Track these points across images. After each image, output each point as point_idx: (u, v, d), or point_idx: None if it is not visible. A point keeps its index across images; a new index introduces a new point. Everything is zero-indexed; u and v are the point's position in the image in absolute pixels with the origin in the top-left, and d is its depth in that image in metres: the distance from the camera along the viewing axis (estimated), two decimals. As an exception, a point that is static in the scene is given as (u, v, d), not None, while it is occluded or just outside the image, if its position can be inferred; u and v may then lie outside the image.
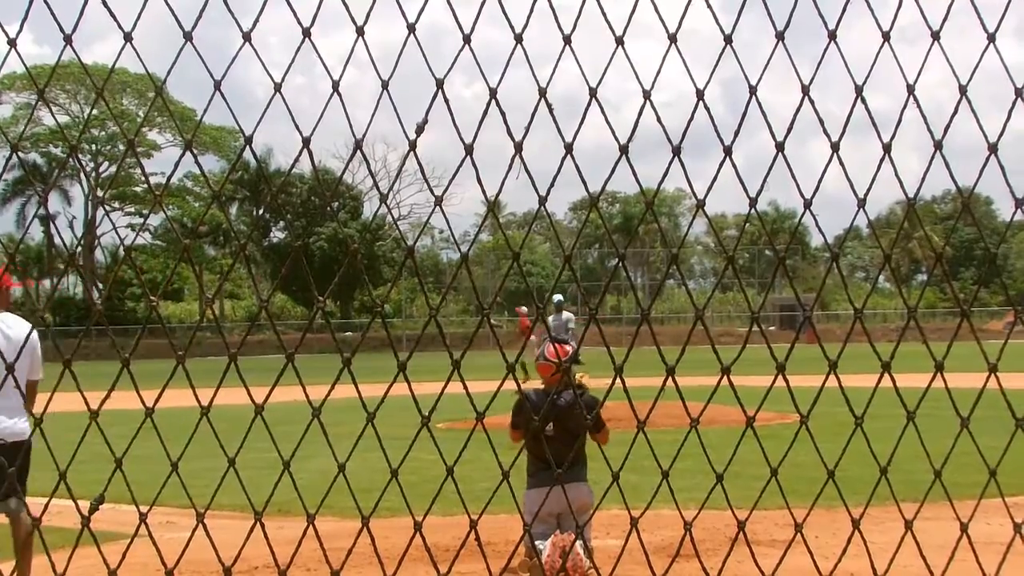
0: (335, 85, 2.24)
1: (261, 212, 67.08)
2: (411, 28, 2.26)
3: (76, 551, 2.39)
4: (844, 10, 2.42)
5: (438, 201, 2.35)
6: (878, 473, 2.55)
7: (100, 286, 58.61)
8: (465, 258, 2.37)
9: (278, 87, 2.23)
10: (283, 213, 64.05)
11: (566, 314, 17.20)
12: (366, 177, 67.06)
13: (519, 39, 2.27)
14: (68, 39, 2.12)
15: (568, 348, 6.16)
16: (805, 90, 2.38)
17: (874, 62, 2.42)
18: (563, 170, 2.33)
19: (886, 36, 2.40)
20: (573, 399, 5.86)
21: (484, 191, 2.33)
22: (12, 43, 2.05)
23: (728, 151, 2.37)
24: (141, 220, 61.96)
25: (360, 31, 2.24)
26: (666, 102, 2.34)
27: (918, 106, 2.44)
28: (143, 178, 61.16)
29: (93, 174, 62.07)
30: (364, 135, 2.27)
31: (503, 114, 2.25)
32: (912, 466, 3.29)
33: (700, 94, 2.35)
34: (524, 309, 7.22)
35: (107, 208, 61.69)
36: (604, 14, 2.30)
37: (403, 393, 2.38)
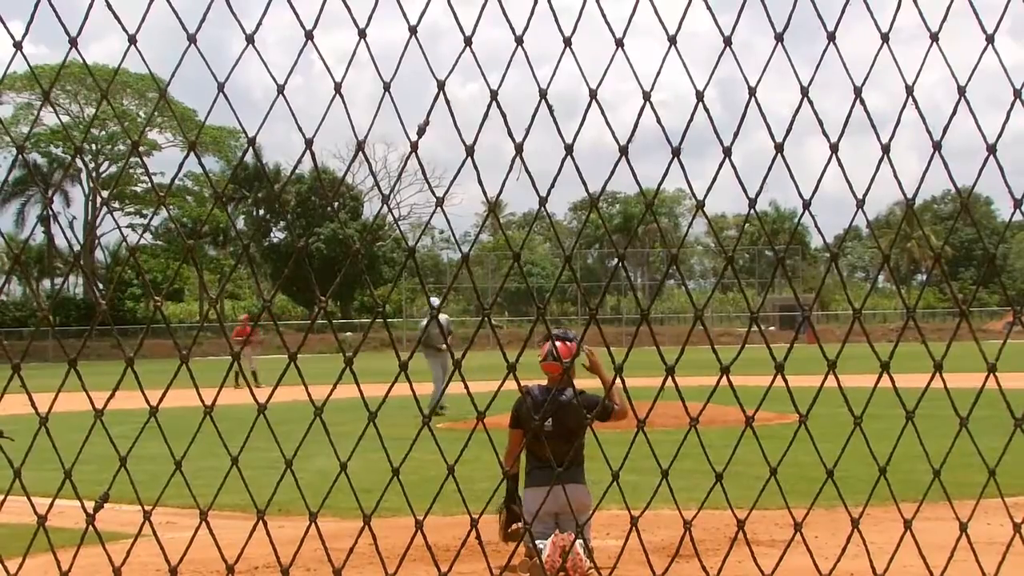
0: (337, 87, 2.25)
1: (261, 212, 67.10)
2: (412, 30, 2.27)
3: (79, 550, 2.41)
4: (843, 11, 2.43)
5: (439, 202, 2.36)
6: (877, 473, 2.56)
7: (101, 286, 58.61)
8: (466, 258, 2.38)
9: (281, 89, 2.24)
10: (284, 214, 64.05)
11: (443, 317, 18.15)
12: (367, 177, 67.12)
13: (520, 41, 2.28)
14: (73, 41, 2.13)
15: (571, 346, 6.16)
16: (804, 91, 2.39)
17: (873, 63, 2.44)
18: (563, 170, 2.34)
19: (885, 38, 2.41)
20: (572, 396, 5.87)
21: (485, 192, 2.34)
22: (18, 45, 2.06)
23: (727, 152, 2.38)
24: (141, 219, 62.11)
25: (362, 33, 2.25)
26: (662, 101, 2.35)
27: (917, 107, 2.45)
28: (144, 178, 61.18)
29: (94, 174, 62.06)
30: (366, 136, 2.28)
31: (504, 115, 2.26)
32: (912, 466, 3.30)
33: (700, 95, 2.36)
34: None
35: (111, 208, 61.66)
36: (604, 16, 2.31)
37: (404, 393, 2.39)
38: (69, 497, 2.42)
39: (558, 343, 6.12)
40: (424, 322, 17.59)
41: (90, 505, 2.37)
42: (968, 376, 3.37)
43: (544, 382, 6.20)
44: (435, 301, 19.10)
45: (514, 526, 5.95)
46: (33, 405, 2.33)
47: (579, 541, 5.39)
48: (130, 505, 3.10)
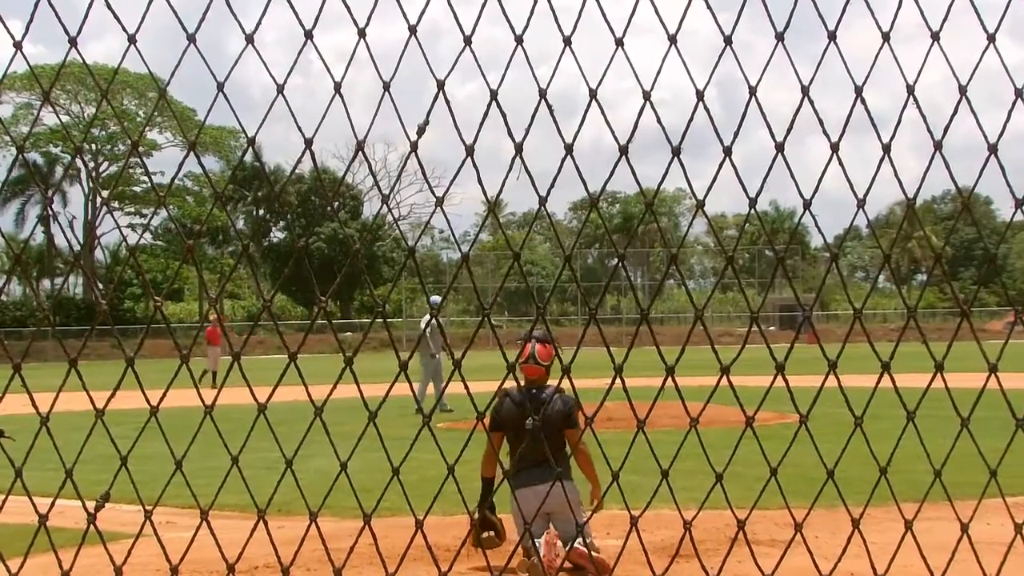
0: (337, 86, 2.25)
1: (261, 212, 67.08)
2: (412, 29, 2.27)
3: (79, 550, 2.40)
4: (844, 10, 2.43)
5: (439, 201, 2.36)
6: (878, 473, 2.56)
7: (100, 286, 58.59)
8: (466, 258, 2.37)
9: (280, 89, 2.24)
10: (284, 214, 64.07)
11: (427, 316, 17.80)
12: (366, 177, 67.14)
13: (520, 40, 2.28)
14: (73, 41, 2.13)
15: (549, 347, 6.18)
16: (805, 91, 2.39)
17: (874, 62, 2.43)
18: (563, 170, 2.34)
19: (886, 37, 2.41)
20: (550, 395, 5.89)
21: (485, 192, 2.34)
22: (18, 45, 2.06)
23: (728, 151, 2.37)
24: (141, 220, 62.12)
25: (362, 32, 2.25)
26: (662, 100, 2.34)
27: (918, 107, 2.45)
28: (144, 178, 61.18)
29: (93, 174, 62.08)
30: (366, 136, 2.28)
31: (504, 115, 2.25)
32: (912, 466, 3.29)
33: (700, 95, 2.36)
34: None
35: (110, 208, 61.67)
36: (604, 15, 2.30)
37: (404, 393, 2.39)
38: (70, 497, 2.42)
39: (537, 345, 6.14)
40: (425, 320, 17.44)
41: (91, 505, 2.36)
42: (969, 376, 3.37)
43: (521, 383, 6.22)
44: (435, 299, 18.91)
45: (486, 534, 5.96)
46: (34, 405, 2.33)
47: (579, 539, 5.40)
48: (131, 505, 3.11)
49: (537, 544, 5.58)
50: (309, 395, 2.36)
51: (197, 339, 3.24)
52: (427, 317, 17.64)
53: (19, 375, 2.26)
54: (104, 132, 60.92)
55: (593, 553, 5.52)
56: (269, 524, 2.37)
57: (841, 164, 2.43)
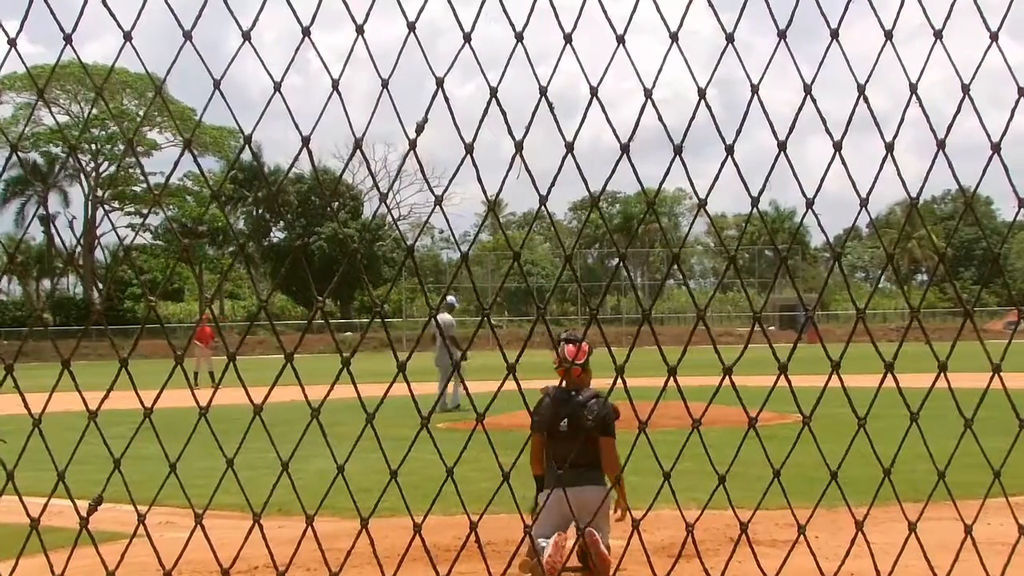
0: (335, 84, 2.23)
1: (260, 212, 67.07)
2: (411, 27, 2.25)
3: (75, 551, 2.39)
4: (846, 9, 2.41)
5: (438, 201, 2.34)
6: (878, 473, 2.54)
7: (100, 286, 58.61)
8: (465, 258, 2.36)
9: (278, 87, 2.22)
10: (283, 213, 64.10)
11: (446, 317, 17.47)
12: (366, 177, 67.18)
13: (520, 38, 2.26)
14: (68, 39, 2.11)
15: (585, 347, 6.14)
16: (807, 89, 2.37)
17: (876, 61, 2.42)
18: (563, 169, 2.32)
19: (889, 35, 2.39)
20: (588, 398, 5.84)
21: (484, 191, 2.32)
22: (12, 43, 2.04)
23: (730, 150, 2.36)
24: (140, 220, 62.13)
25: (360, 30, 2.23)
26: (661, 99, 2.33)
27: (921, 106, 2.43)
28: (143, 178, 61.21)
29: (93, 174, 62.10)
30: (364, 134, 2.26)
31: (504, 113, 2.24)
32: (912, 466, 3.28)
33: (702, 93, 2.34)
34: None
35: (107, 208, 61.59)
36: (605, 12, 2.29)
37: (403, 393, 2.38)
38: (63, 498, 2.40)
39: (570, 345, 6.09)
40: (443, 319, 17.25)
41: (83, 507, 2.35)
42: (970, 376, 3.36)
43: (564, 383, 6.16)
44: (451, 299, 19.00)
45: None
46: (26, 406, 2.31)
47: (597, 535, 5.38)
48: (126, 505, 3.09)
49: (546, 544, 5.56)
50: (305, 396, 2.35)
51: (194, 339, 3.22)
52: (445, 316, 17.49)
53: (11, 376, 2.24)
54: (104, 132, 60.93)
55: (603, 546, 5.51)
56: (270, 524, 2.36)
57: (844, 163, 2.41)
